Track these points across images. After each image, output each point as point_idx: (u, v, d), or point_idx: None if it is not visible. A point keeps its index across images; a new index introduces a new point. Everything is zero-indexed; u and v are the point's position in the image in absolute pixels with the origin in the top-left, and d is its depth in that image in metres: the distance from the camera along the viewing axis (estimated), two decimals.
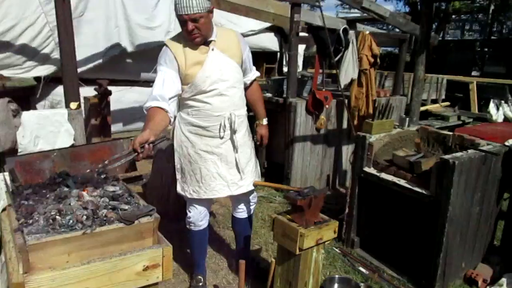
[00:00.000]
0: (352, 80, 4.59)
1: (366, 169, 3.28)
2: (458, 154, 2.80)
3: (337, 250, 3.46)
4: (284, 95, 4.51)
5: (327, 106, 4.50)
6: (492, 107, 10.29)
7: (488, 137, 3.42)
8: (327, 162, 4.88)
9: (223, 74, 2.41)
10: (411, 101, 3.90)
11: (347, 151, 5.08)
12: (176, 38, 2.43)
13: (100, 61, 5.48)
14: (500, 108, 10.43)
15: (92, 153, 2.30)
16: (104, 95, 4.56)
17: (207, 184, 2.54)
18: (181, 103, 2.52)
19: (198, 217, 2.67)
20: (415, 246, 3.41)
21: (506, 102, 10.48)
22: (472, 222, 2.98)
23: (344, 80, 4.47)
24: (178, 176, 2.63)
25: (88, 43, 5.30)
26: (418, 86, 3.69)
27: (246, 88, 2.73)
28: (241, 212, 2.85)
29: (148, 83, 6.16)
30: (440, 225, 2.76)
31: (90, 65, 5.49)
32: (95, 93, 4.59)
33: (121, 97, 5.91)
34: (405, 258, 3.32)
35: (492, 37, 18.46)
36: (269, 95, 4.80)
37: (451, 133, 3.34)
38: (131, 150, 1.87)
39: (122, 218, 1.63)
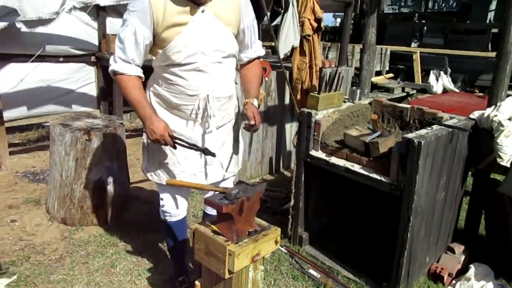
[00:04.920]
0: (293, 48, 3.98)
1: (313, 152, 2.72)
2: (423, 131, 2.30)
3: (282, 249, 2.91)
4: None
5: (266, 78, 3.88)
6: (432, 78, 10.29)
7: (447, 109, 2.99)
8: (268, 143, 4.29)
9: (207, 47, 1.89)
10: (361, 70, 3.38)
11: (290, 129, 4.53)
12: None
13: None
14: (440, 79, 10.47)
15: None
16: None
17: (168, 169, 2.08)
18: (153, 70, 2.03)
19: (173, 204, 2.19)
20: (373, 240, 2.95)
21: (445, 73, 10.53)
22: (437, 211, 2.53)
23: (284, 49, 3.86)
24: (145, 153, 2.19)
25: None
26: (369, 51, 3.17)
27: (242, 65, 2.22)
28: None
29: (57, 58, 5.19)
30: (404, 218, 2.27)
31: None
32: None
33: (23, 76, 4.88)
34: (362, 255, 2.85)
35: (428, 10, 18.76)
36: None
37: (408, 106, 2.85)
38: None
39: None
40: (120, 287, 2.45)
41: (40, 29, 4.68)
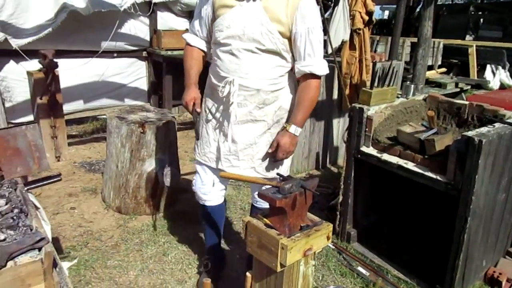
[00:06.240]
0: (343, 42, 3.91)
1: (363, 149, 2.67)
2: (484, 129, 2.19)
3: (330, 245, 2.89)
4: None
5: None
6: (488, 73, 9.73)
7: (509, 107, 2.83)
8: (315, 138, 4.26)
9: (245, 34, 1.92)
10: (415, 65, 3.26)
11: (338, 124, 4.47)
12: None
13: (50, 29, 4.63)
14: (497, 74, 9.88)
15: None
16: (49, 68, 3.82)
17: (202, 147, 2.20)
18: None
19: (200, 187, 2.28)
20: (425, 240, 2.86)
21: (503, 67, 9.92)
22: (497, 213, 2.41)
23: (334, 42, 3.80)
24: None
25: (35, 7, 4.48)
26: (425, 45, 3.04)
27: (298, 80, 2.07)
28: (260, 202, 2.23)
29: (111, 53, 5.42)
30: (461, 219, 2.18)
31: (40, 34, 4.65)
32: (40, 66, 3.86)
33: (80, 71, 5.14)
34: (413, 254, 2.77)
35: (485, 1, 17.72)
36: None
37: (466, 102, 2.73)
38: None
39: None
40: (172, 275, 2.54)
41: (99, 26, 4.91)
